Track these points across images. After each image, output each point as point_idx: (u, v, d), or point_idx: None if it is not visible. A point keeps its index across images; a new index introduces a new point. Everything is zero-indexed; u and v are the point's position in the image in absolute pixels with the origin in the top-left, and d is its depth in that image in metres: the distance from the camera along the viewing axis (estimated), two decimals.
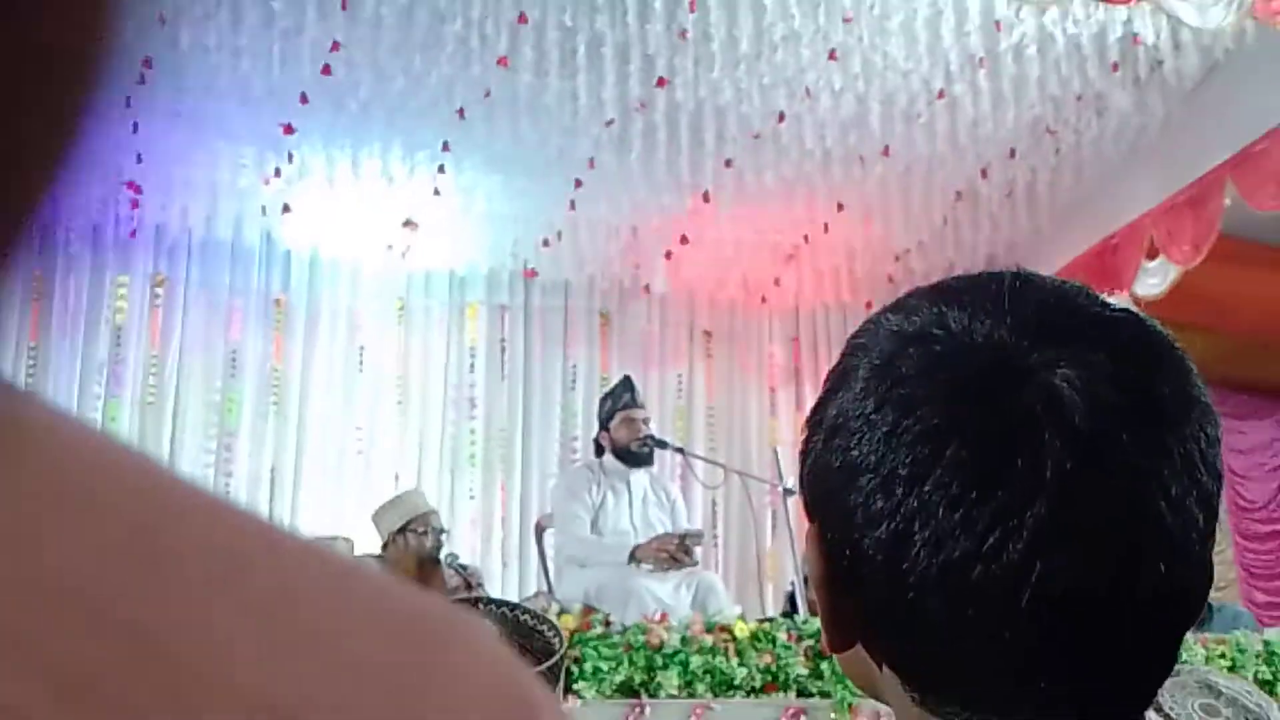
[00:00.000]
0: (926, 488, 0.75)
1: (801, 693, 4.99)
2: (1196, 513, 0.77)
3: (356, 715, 0.26)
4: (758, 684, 5.00)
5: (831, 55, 6.90)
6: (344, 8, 6.41)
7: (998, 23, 6.58)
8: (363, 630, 0.27)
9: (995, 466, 0.75)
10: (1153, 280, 7.67)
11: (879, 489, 0.77)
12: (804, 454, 0.88)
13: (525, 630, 1.70)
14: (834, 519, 0.82)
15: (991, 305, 0.81)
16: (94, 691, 0.26)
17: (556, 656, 1.67)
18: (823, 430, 0.84)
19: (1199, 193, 7.24)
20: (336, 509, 8.31)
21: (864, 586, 0.81)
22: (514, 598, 7.61)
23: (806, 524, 0.89)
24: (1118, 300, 0.86)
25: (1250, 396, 9.59)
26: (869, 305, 9.20)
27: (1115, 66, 6.96)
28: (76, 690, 0.26)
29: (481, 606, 1.86)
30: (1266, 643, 5.52)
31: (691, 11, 6.48)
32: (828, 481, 0.83)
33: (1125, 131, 7.49)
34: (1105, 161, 7.73)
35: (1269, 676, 5.30)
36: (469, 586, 6.74)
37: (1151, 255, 7.68)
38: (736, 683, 4.96)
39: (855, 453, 0.79)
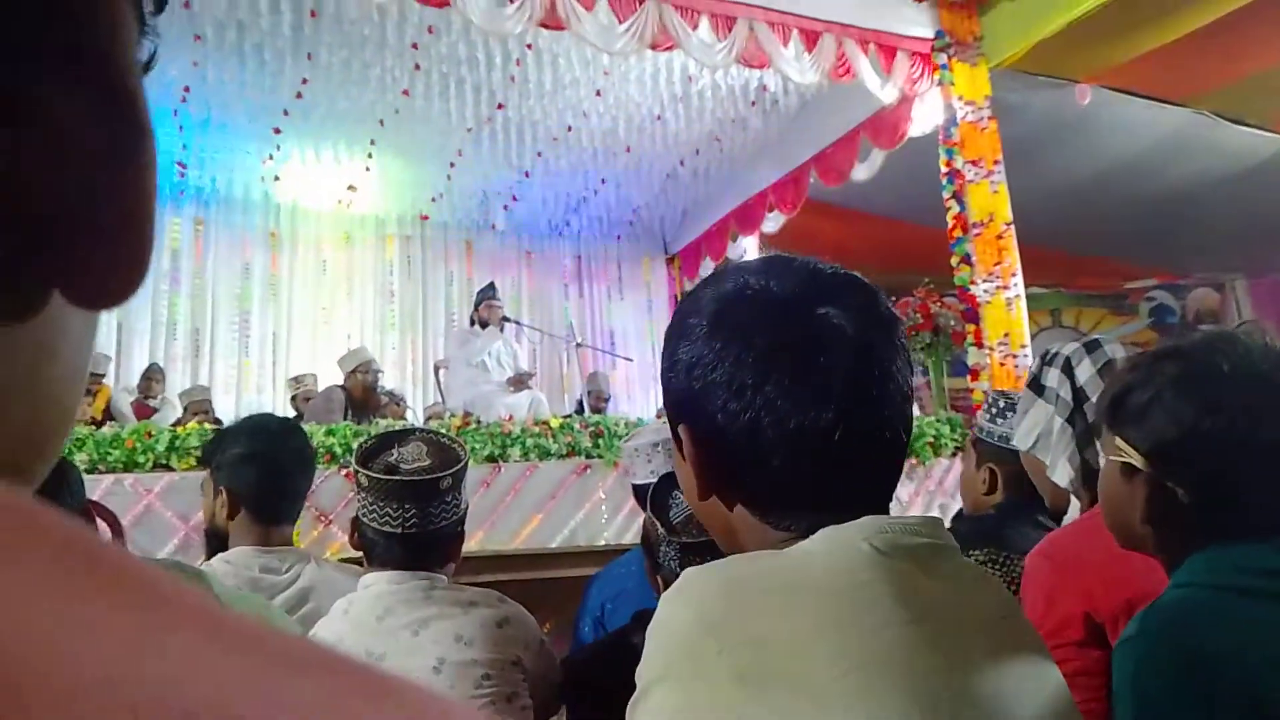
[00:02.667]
0: (767, 388, 0.72)
1: (587, 456, 4.86)
2: (911, 383, 0.78)
3: None
4: (563, 452, 4.83)
5: (598, 94, 6.66)
6: (309, 58, 6.02)
7: (690, 77, 6.40)
8: None
9: (808, 368, 0.72)
10: (771, 224, 7.61)
11: (734, 397, 0.73)
12: (667, 387, 0.80)
13: (445, 447, 1.70)
14: (703, 423, 0.76)
15: (777, 274, 0.77)
16: None
17: (464, 461, 1.69)
18: (680, 369, 0.77)
19: (797, 175, 7.26)
20: (312, 358, 8.10)
21: (729, 458, 0.75)
22: (421, 409, 7.63)
23: (670, 431, 0.82)
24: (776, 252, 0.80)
25: None
26: (619, 237, 9.35)
27: (753, 103, 6.82)
28: None
29: (418, 434, 1.73)
30: None
31: (518, 66, 6.23)
32: (692, 400, 0.76)
33: (757, 140, 7.37)
34: (746, 156, 7.60)
35: None
36: (396, 404, 6.69)
37: (770, 209, 7.58)
38: (551, 452, 4.82)
39: (711, 378, 0.74)
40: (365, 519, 1.63)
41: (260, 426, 2.02)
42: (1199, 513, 0.95)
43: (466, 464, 1.70)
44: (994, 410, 2.07)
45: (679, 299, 0.89)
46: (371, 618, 1.52)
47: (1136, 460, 0.98)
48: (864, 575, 0.68)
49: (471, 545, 4.43)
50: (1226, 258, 9.39)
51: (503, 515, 4.66)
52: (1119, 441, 1.00)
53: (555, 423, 5.04)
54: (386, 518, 1.60)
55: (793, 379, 0.73)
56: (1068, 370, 1.53)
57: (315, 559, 1.90)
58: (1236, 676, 0.85)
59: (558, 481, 4.80)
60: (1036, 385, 1.58)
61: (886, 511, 0.76)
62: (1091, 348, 1.52)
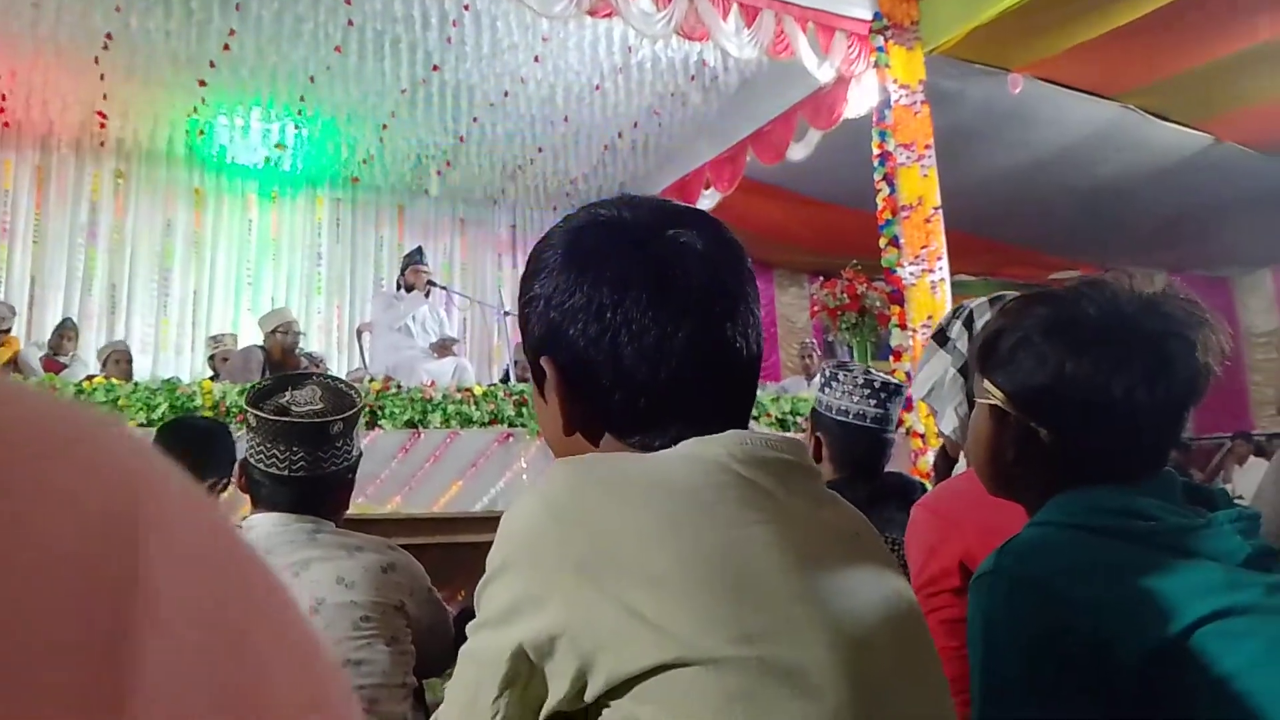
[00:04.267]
0: (625, 306, 0.74)
1: (510, 424, 4.84)
2: (759, 306, 0.80)
3: None
4: (486, 420, 4.81)
5: (536, 59, 6.56)
6: (237, 9, 5.85)
7: (630, 48, 6.34)
8: None
9: (663, 283, 0.74)
10: (707, 201, 7.57)
11: (594, 318, 0.74)
12: (525, 322, 0.81)
13: (341, 392, 1.66)
14: (564, 351, 0.76)
15: (626, 206, 0.79)
16: None
17: (358, 406, 1.65)
18: (537, 302, 0.78)
19: (734, 153, 7.32)
20: (234, 319, 7.96)
21: (592, 383, 0.76)
22: (344, 373, 7.49)
23: (531, 371, 0.82)
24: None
25: (753, 265, 9.90)
26: (555, 208, 9.24)
27: (693, 77, 6.77)
28: None
29: (315, 378, 1.69)
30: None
31: (454, 27, 6.12)
32: (552, 331, 0.77)
33: (696, 116, 7.32)
34: (685, 132, 7.57)
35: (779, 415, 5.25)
36: (315, 366, 6.60)
37: (707, 186, 7.66)
38: (474, 419, 4.79)
39: (569, 304, 0.76)
40: (253, 460, 1.59)
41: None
42: (1062, 456, 0.97)
43: (360, 410, 1.68)
44: (823, 379, 2.11)
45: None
46: None
47: (1003, 403, 0.99)
48: (717, 479, 0.69)
49: (386, 509, 4.40)
50: (1151, 253, 9.64)
51: (421, 482, 4.63)
52: (987, 384, 1.01)
53: (479, 390, 4.99)
54: (274, 459, 1.56)
55: (649, 294, 0.74)
56: (969, 323, 1.54)
57: None
58: (1084, 611, 0.86)
59: (479, 450, 4.76)
60: (941, 337, 1.60)
61: (746, 427, 0.78)
62: (995, 302, 1.53)
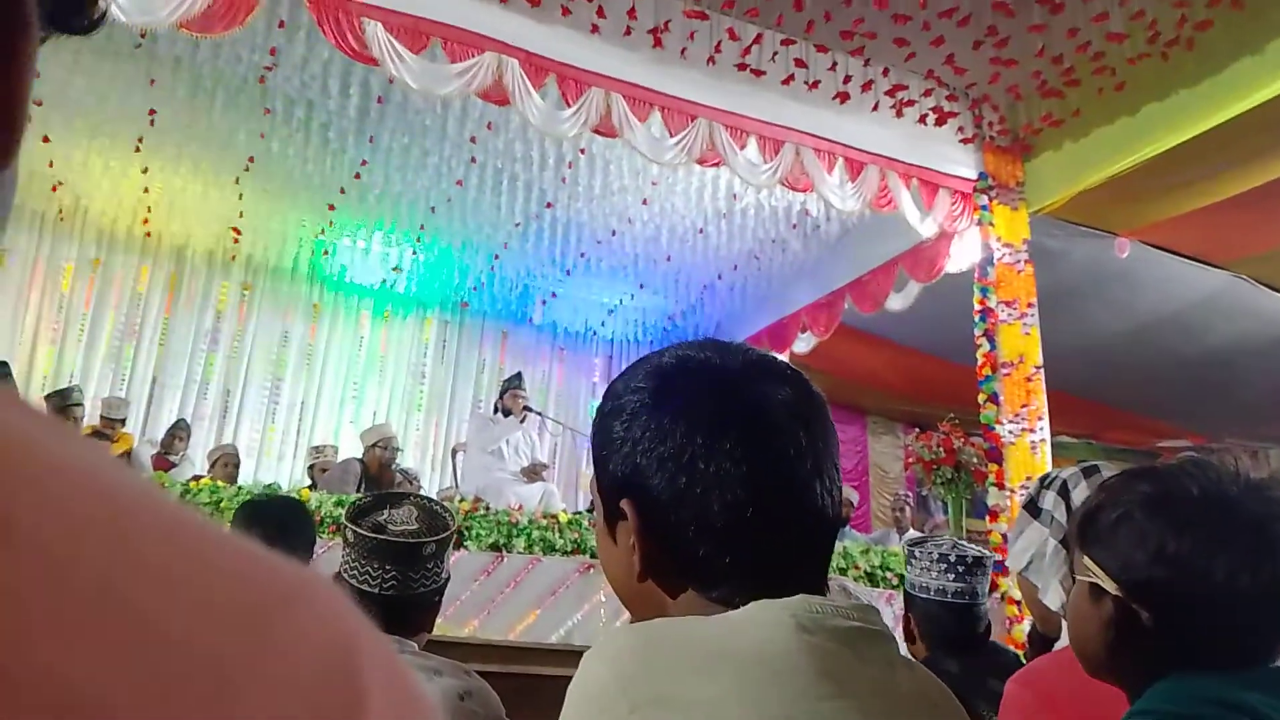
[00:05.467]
0: (717, 458, 0.72)
1: (593, 555, 4.63)
2: (839, 462, 0.79)
3: (168, 702, 0.15)
4: (569, 548, 4.80)
5: (644, 202, 6.82)
6: (370, 141, 6.30)
7: (735, 195, 6.53)
8: (185, 607, 0.16)
9: (754, 438, 0.72)
10: (802, 345, 7.70)
11: (683, 469, 0.72)
12: (603, 468, 0.78)
13: (435, 513, 1.68)
14: (647, 497, 0.74)
15: (715, 351, 0.78)
16: None
17: (451, 530, 1.67)
18: (621, 444, 0.76)
19: (832, 299, 7.35)
20: (337, 428, 8.24)
21: (678, 535, 0.73)
22: (435, 491, 7.59)
23: (600, 511, 0.80)
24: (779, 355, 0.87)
25: (847, 410, 9.76)
26: (651, 343, 9.41)
27: (794, 225, 6.91)
28: None
29: (412, 498, 1.73)
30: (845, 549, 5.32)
31: (569, 168, 6.42)
32: (636, 474, 0.74)
33: (796, 262, 7.46)
34: (783, 277, 7.69)
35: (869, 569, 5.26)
36: (410, 482, 6.73)
37: (803, 330, 7.69)
38: (557, 547, 4.79)
39: (658, 451, 0.73)
40: (346, 575, 1.63)
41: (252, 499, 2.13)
42: (1162, 639, 0.92)
43: (453, 534, 1.70)
44: (906, 556, 2.08)
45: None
46: None
47: (1104, 581, 0.96)
48: (785, 646, 0.67)
49: (464, 632, 4.37)
50: (1260, 427, 9.23)
51: (500, 606, 4.60)
52: (1087, 561, 0.98)
53: (564, 518, 5.00)
54: (366, 576, 1.60)
55: (741, 449, 0.72)
56: (1064, 493, 1.51)
57: None
58: None
59: (559, 578, 4.73)
60: (1033, 507, 1.56)
61: (821, 586, 0.76)
62: (1089, 472, 1.49)
